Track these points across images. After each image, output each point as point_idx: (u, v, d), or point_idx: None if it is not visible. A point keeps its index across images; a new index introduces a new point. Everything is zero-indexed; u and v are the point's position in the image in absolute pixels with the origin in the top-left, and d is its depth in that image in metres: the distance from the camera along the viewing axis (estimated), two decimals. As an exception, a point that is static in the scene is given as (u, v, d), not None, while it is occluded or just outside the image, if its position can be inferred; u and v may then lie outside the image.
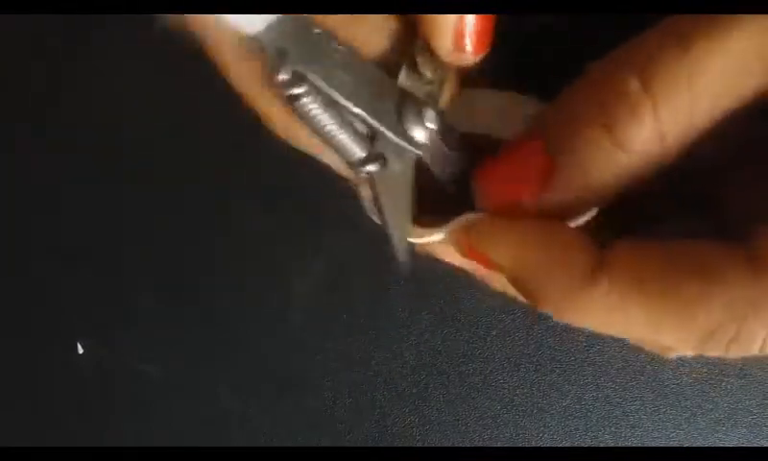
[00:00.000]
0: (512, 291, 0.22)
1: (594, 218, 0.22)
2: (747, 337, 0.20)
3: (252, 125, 0.29)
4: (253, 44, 0.21)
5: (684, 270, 0.20)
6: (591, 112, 0.20)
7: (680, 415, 0.31)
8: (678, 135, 0.20)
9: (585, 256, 0.21)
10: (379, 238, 0.30)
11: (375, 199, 0.23)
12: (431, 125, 0.22)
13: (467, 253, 0.22)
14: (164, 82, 0.29)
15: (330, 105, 0.21)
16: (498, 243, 0.22)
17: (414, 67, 0.22)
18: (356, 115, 0.22)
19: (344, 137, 0.22)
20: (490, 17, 0.22)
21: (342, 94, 0.21)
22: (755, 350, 0.20)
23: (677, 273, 0.20)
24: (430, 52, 0.22)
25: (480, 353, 0.30)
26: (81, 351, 0.30)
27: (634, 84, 0.20)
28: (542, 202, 0.21)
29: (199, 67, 0.29)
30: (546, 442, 0.31)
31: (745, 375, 0.30)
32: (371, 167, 0.22)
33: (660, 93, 0.19)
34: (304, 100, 0.21)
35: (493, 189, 0.22)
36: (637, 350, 0.22)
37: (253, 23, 0.20)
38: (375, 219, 0.24)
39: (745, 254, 0.20)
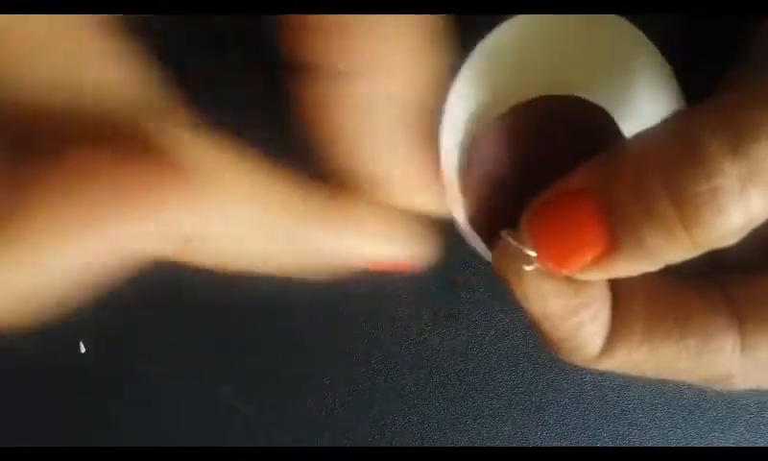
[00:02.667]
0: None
1: None
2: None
3: (252, 124, 0.29)
4: None
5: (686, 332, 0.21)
6: (668, 194, 0.18)
7: (678, 414, 0.31)
8: (753, 227, 0.18)
9: (603, 330, 0.21)
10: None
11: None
12: None
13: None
14: (165, 80, 0.29)
15: None
16: (526, 296, 0.21)
17: None
18: None
19: None
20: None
21: None
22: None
23: (682, 335, 0.21)
24: None
25: (478, 353, 0.30)
26: (83, 350, 0.30)
27: (726, 166, 0.17)
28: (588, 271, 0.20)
29: (199, 66, 0.29)
30: (545, 441, 0.31)
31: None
32: None
33: (756, 186, 0.17)
34: None
35: (540, 237, 0.20)
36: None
37: None
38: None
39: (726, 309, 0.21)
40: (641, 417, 0.31)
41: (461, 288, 0.30)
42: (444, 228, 0.29)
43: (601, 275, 0.20)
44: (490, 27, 0.22)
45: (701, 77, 0.23)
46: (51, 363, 0.30)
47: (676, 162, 0.17)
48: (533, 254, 0.20)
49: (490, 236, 0.22)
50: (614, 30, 0.22)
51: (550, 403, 0.31)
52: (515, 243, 0.20)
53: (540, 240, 0.20)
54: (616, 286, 0.22)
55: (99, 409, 0.30)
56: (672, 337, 0.21)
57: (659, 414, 0.31)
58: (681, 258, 0.18)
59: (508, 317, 0.30)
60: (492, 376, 0.30)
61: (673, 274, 0.20)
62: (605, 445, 0.31)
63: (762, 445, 0.31)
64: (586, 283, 0.21)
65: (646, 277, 0.20)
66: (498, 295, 0.30)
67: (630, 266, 0.19)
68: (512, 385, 0.30)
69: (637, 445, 0.31)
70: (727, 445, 0.31)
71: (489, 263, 0.29)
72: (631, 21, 0.22)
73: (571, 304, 0.21)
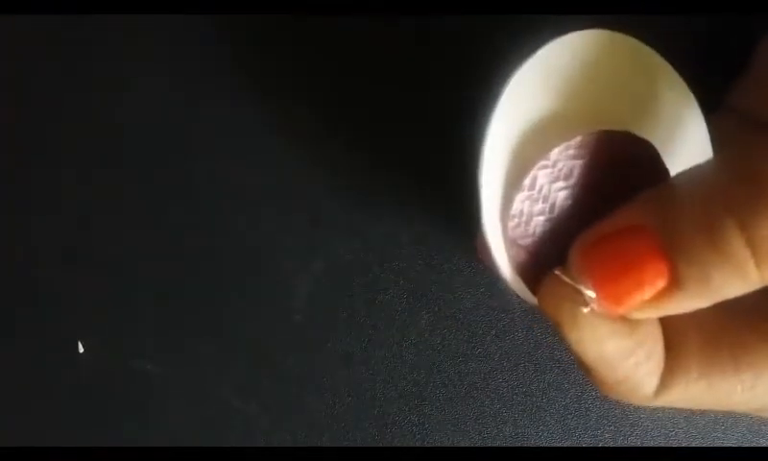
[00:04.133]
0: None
1: None
2: None
3: (252, 125, 0.29)
4: None
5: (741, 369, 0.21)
6: (741, 233, 0.17)
7: (679, 414, 0.31)
8: None
9: (658, 367, 0.21)
10: (379, 238, 0.30)
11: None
12: None
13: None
14: (166, 82, 0.29)
15: None
16: (573, 338, 0.20)
17: None
18: None
19: None
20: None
21: None
22: None
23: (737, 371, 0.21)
24: None
25: (479, 353, 0.30)
26: (81, 350, 0.30)
27: None
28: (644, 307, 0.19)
29: (200, 68, 0.29)
30: (546, 441, 0.31)
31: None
32: None
33: None
34: None
35: (598, 275, 0.19)
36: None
37: None
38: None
39: None
40: (643, 417, 0.31)
41: (461, 288, 0.30)
42: (446, 227, 0.30)
43: (658, 312, 0.19)
44: (518, 57, 0.21)
45: (717, 79, 0.23)
46: (51, 363, 0.30)
47: (748, 201, 0.17)
48: (591, 293, 0.19)
49: (535, 278, 0.22)
50: (638, 55, 0.21)
51: (551, 404, 0.31)
52: (572, 283, 0.19)
53: (597, 278, 0.19)
54: (669, 322, 0.21)
55: (99, 409, 0.30)
56: (728, 372, 0.21)
57: (660, 414, 0.31)
58: (740, 293, 0.18)
59: (508, 317, 0.30)
60: (492, 377, 0.30)
61: (723, 307, 0.19)
62: (606, 445, 0.31)
63: (764, 445, 0.31)
64: (639, 322, 0.20)
65: (699, 311, 0.19)
66: (499, 295, 0.30)
67: (689, 303, 0.19)
68: (513, 385, 0.30)
69: (639, 445, 0.31)
70: (728, 445, 0.31)
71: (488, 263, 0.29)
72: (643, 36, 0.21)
73: (627, 345, 0.20)
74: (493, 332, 0.30)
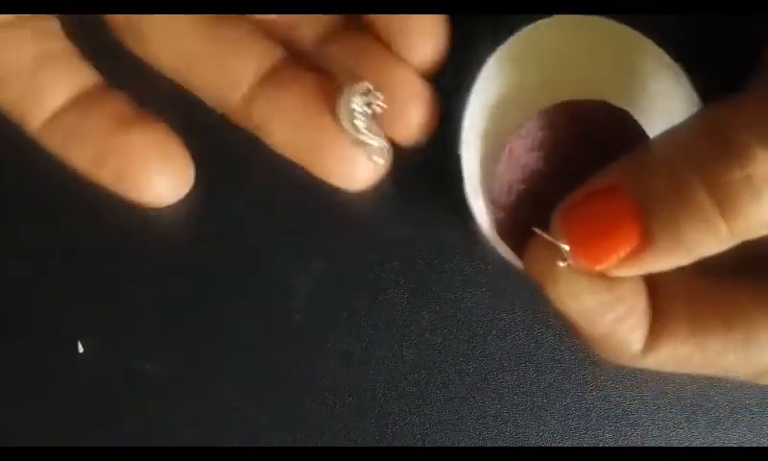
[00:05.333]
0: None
1: None
2: None
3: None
4: None
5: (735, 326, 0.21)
6: (704, 185, 0.18)
7: (680, 414, 0.31)
8: None
9: (643, 324, 0.21)
10: (379, 238, 0.30)
11: None
12: None
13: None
14: (165, 81, 0.29)
15: None
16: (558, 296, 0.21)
17: None
18: None
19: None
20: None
21: None
22: None
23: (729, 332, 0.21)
24: None
25: (480, 353, 0.30)
26: (81, 349, 0.30)
27: (758, 153, 0.17)
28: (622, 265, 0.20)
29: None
30: (546, 441, 0.31)
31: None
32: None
33: None
34: None
35: (574, 234, 0.20)
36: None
37: None
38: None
39: None
40: (643, 417, 0.31)
41: (462, 288, 0.30)
42: (446, 227, 0.29)
43: (636, 270, 0.20)
44: (508, 31, 0.22)
45: (717, 80, 0.23)
46: (51, 363, 0.30)
47: (709, 154, 0.18)
48: (566, 248, 0.20)
49: (519, 243, 0.22)
50: (623, 38, 0.22)
51: (552, 404, 0.30)
52: (552, 240, 0.20)
53: (574, 237, 0.20)
54: (657, 282, 0.22)
55: (99, 409, 0.30)
56: (718, 331, 0.21)
57: (661, 414, 0.31)
58: (716, 250, 0.19)
59: (509, 317, 0.30)
60: (493, 377, 0.30)
61: (715, 269, 0.20)
62: (607, 445, 0.31)
63: (765, 445, 0.31)
64: (619, 279, 0.21)
65: (687, 271, 0.20)
66: (500, 295, 0.30)
67: (664, 260, 0.19)
68: (513, 386, 0.30)
69: (639, 445, 0.31)
70: (729, 445, 0.31)
71: (490, 263, 0.29)
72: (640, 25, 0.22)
73: (605, 300, 0.21)
74: (494, 332, 0.30)
